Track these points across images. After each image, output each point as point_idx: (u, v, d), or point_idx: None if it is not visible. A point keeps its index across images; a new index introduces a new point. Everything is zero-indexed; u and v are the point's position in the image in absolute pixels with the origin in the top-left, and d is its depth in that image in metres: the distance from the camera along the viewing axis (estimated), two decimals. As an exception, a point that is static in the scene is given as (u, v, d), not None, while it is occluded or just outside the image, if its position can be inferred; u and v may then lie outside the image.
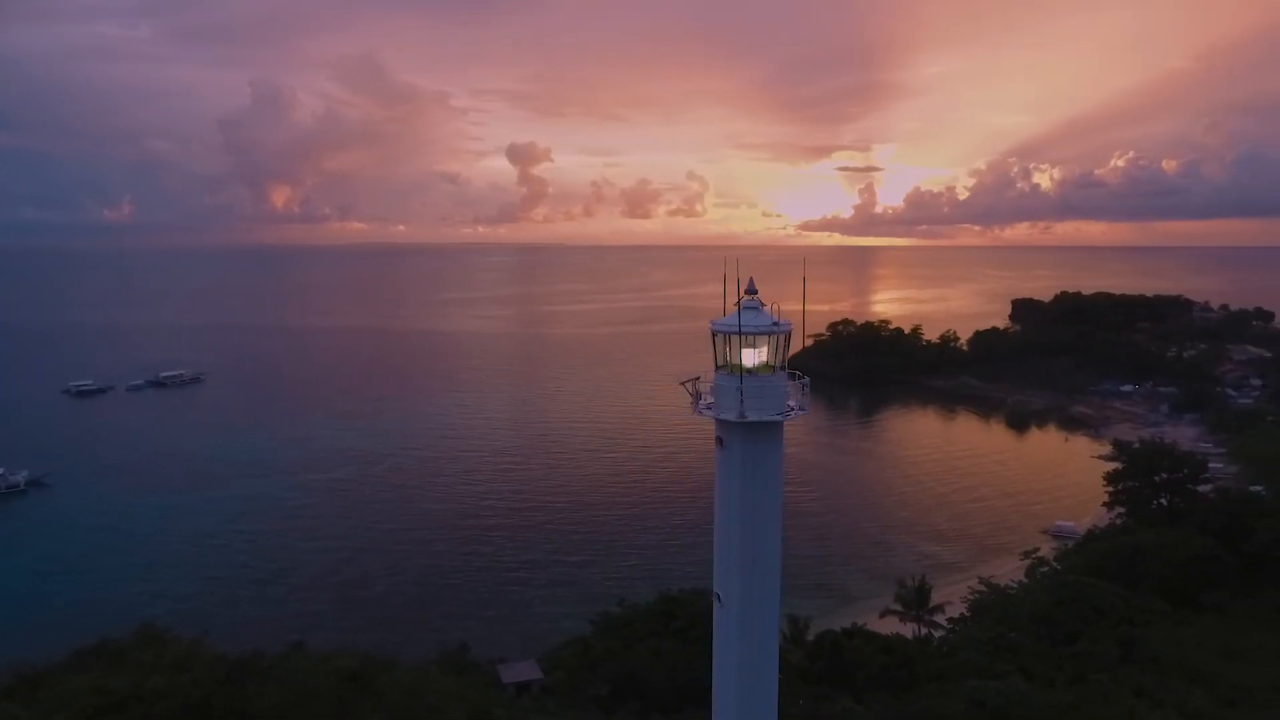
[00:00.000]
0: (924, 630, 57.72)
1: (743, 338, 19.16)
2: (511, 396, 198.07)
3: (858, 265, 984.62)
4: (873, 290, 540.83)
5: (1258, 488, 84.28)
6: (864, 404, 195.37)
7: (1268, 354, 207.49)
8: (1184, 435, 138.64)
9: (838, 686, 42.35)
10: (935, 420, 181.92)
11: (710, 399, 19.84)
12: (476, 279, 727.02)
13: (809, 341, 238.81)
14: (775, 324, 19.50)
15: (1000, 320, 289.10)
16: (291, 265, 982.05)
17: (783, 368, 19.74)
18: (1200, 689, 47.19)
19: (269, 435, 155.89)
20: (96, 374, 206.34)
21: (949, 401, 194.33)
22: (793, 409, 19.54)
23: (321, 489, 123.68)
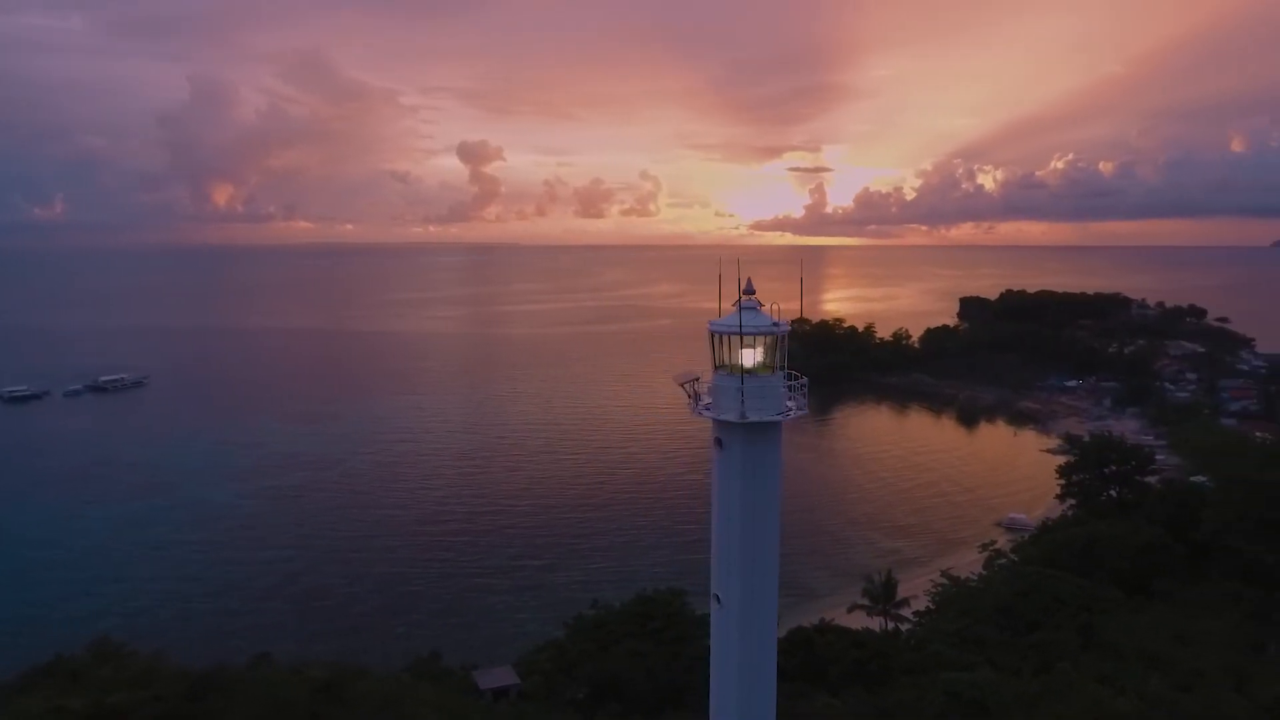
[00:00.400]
0: (891, 624, 58.65)
1: (742, 338, 19.09)
2: (468, 398, 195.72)
3: (810, 265, 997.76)
4: (825, 289, 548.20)
5: (1199, 478, 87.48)
6: (820, 402, 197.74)
7: (1201, 349, 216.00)
8: (1126, 428, 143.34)
9: (812, 683, 42.71)
10: (889, 417, 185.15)
11: (709, 400, 19.75)
12: (428, 279, 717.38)
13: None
14: (775, 324, 19.49)
15: (949, 318, 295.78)
16: (236, 265, 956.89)
17: (781, 368, 19.75)
18: (1157, 674, 48.77)
19: (217, 441, 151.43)
20: (30, 379, 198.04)
21: (902, 398, 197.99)
22: (791, 409, 19.56)
23: (274, 495, 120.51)
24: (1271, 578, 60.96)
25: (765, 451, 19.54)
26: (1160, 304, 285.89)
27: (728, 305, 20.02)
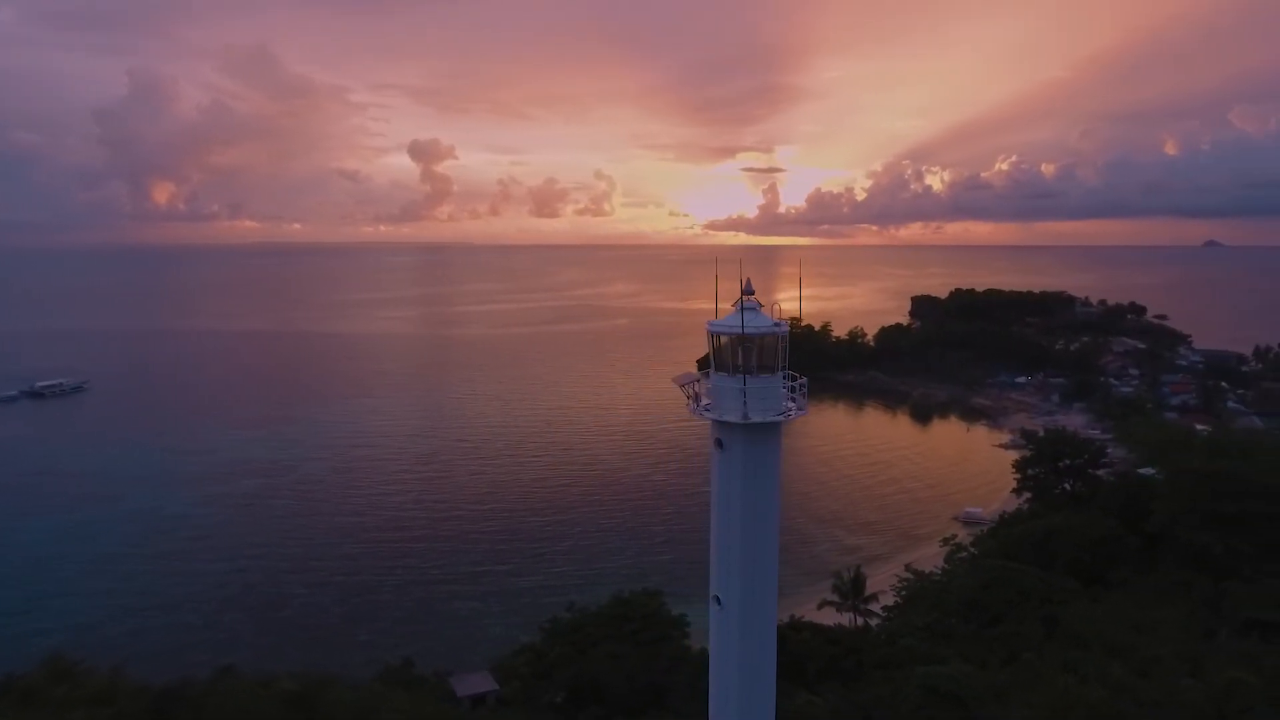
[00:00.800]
0: (861, 620, 59.38)
1: (744, 338, 19.01)
2: (424, 401, 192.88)
3: (764, 264, 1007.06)
4: (779, 288, 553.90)
5: (1147, 470, 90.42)
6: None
7: (1142, 346, 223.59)
8: (1074, 422, 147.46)
9: (788, 679, 42.90)
10: (847, 414, 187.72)
11: (708, 400, 19.62)
12: (381, 279, 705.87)
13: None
14: (776, 324, 19.45)
15: (901, 316, 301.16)
16: (178, 265, 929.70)
17: (782, 368, 19.72)
18: (1118, 662, 50.23)
19: (164, 447, 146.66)
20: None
21: (859, 396, 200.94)
22: (790, 409, 19.54)
23: (226, 503, 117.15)
24: (1220, 567, 63.18)
25: (766, 452, 19.50)
26: (1102, 302, 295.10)
27: (724, 306, 19.88)
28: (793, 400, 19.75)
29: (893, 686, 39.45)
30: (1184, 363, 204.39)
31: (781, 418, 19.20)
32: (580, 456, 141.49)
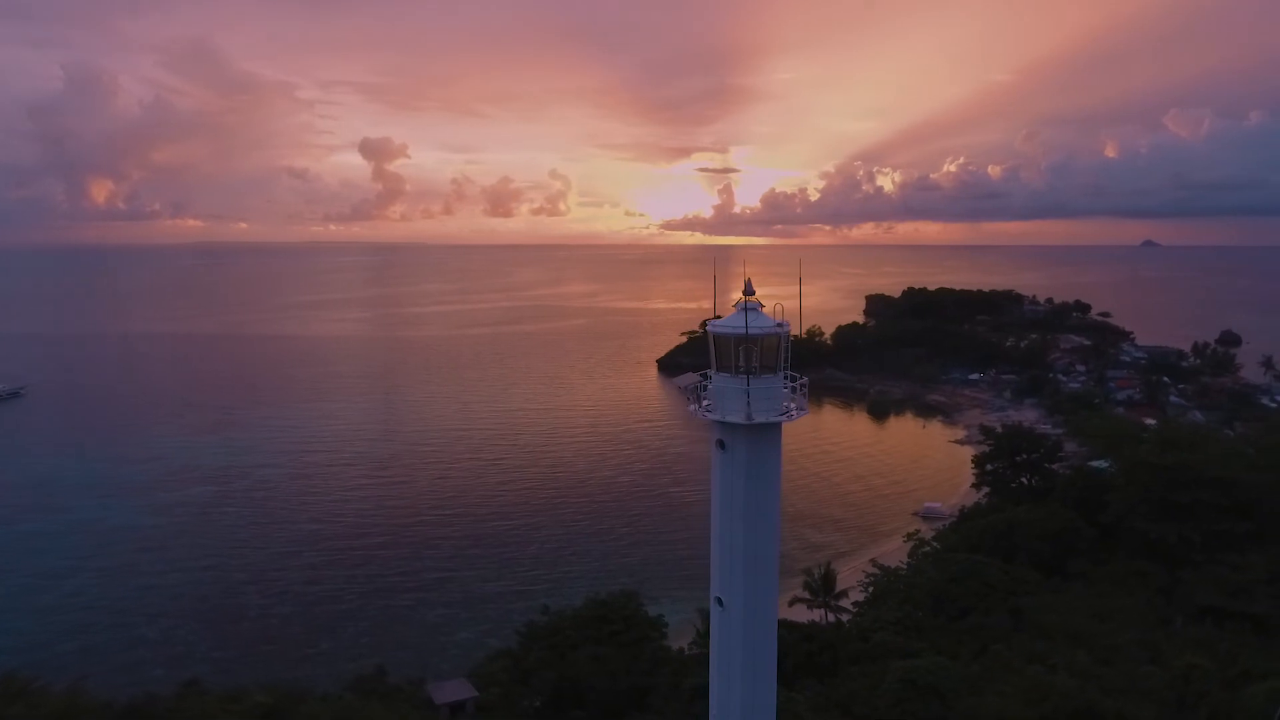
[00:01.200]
0: (831, 616, 60.02)
1: (748, 339, 18.94)
2: (381, 404, 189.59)
3: (720, 263, 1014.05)
4: (736, 288, 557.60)
5: (1099, 463, 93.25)
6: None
7: (1088, 342, 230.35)
8: (1026, 417, 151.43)
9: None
10: (806, 412, 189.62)
11: (709, 401, 19.51)
12: (332, 280, 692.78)
13: (683, 339, 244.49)
14: (778, 325, 19.42)
15: (857, 315, 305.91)
16: (119, 266, 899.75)
17: (782, 369, 19.71)
18: (1082, 650, 51.60)
19: (109, 455, 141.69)
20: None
21: (817, 394, 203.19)
22: (790, 409, 19.53)
23: (177, 512, 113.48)
24: (1173, 556, 65.44)
25: (768, 452, 19.47)
26: (1049, 300, 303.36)
27: (723, 306, 19.77)
28: (792, 400, 19.74)
29: (870, 681, 39.89)
30: (1127, 359, 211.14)
31: (784, 418, 19.18)
32: (543, 459, 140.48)
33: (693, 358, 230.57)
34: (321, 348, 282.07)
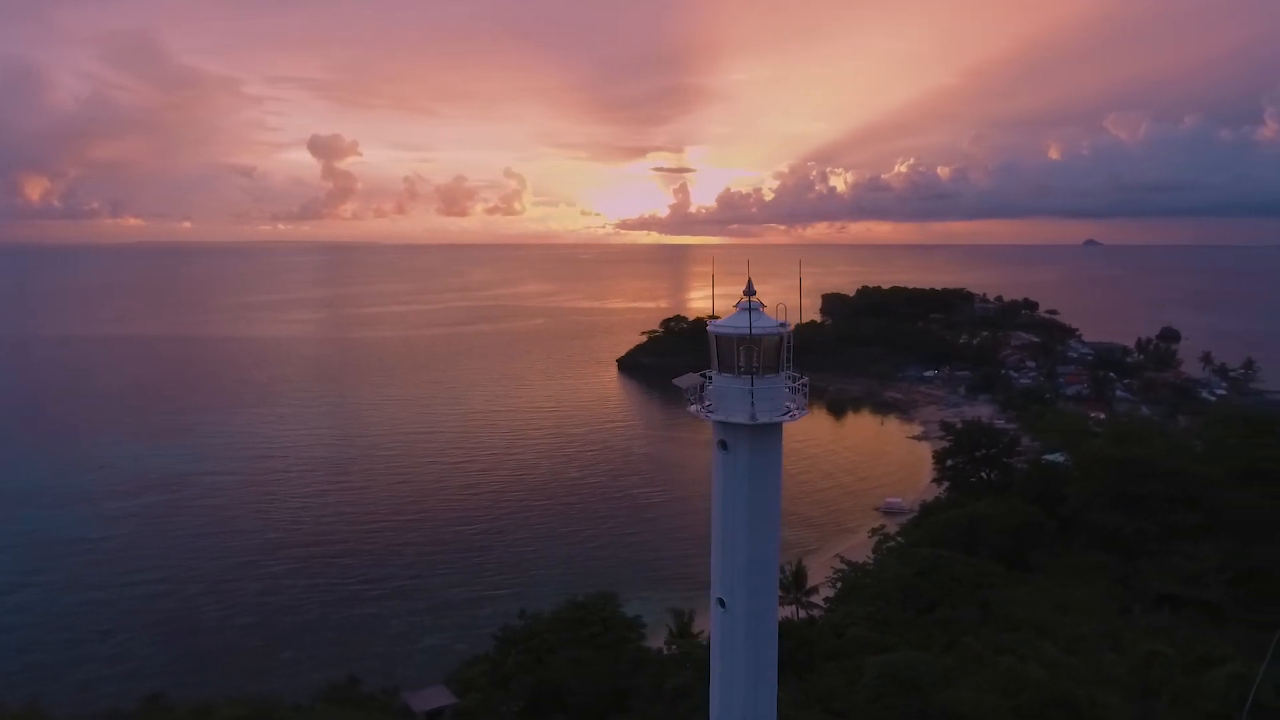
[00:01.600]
0: (802, 612, 60.49)
1: (751, 339, 18.86)
2: (337, 407, 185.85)
3: (677, 263, 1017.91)
4: (694, 287, 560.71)
5: (1053, 456, 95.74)
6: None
7: (1036, 339, 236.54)
8: (980, 413, 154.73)
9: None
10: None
11: (710, 401, 19.39)
12: (282, 280, 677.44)
13: (643, 339, 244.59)
14: (781, 325, 19.39)
15: (813, 314, 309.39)
16: (56, 265, 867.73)
17: (784, 369, 19.69)
18: (1047, 641, 52.80)
19: (53, 462, 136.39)
20: None
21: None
22: (790, 410, 19.52)
23: (126, 521, 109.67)
24: (1129, 546, 67.36)
25: (770, 453, 19.43)
26: (999, 298, 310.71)
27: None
28: (793, 400, 19.73)
29: (848, 677, 40.27)
30: (1075, 355, 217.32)
31: (787, 418, 19.17)
32: (507, 462, 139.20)
33: (653, 357, 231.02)
34: (273, 350, 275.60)
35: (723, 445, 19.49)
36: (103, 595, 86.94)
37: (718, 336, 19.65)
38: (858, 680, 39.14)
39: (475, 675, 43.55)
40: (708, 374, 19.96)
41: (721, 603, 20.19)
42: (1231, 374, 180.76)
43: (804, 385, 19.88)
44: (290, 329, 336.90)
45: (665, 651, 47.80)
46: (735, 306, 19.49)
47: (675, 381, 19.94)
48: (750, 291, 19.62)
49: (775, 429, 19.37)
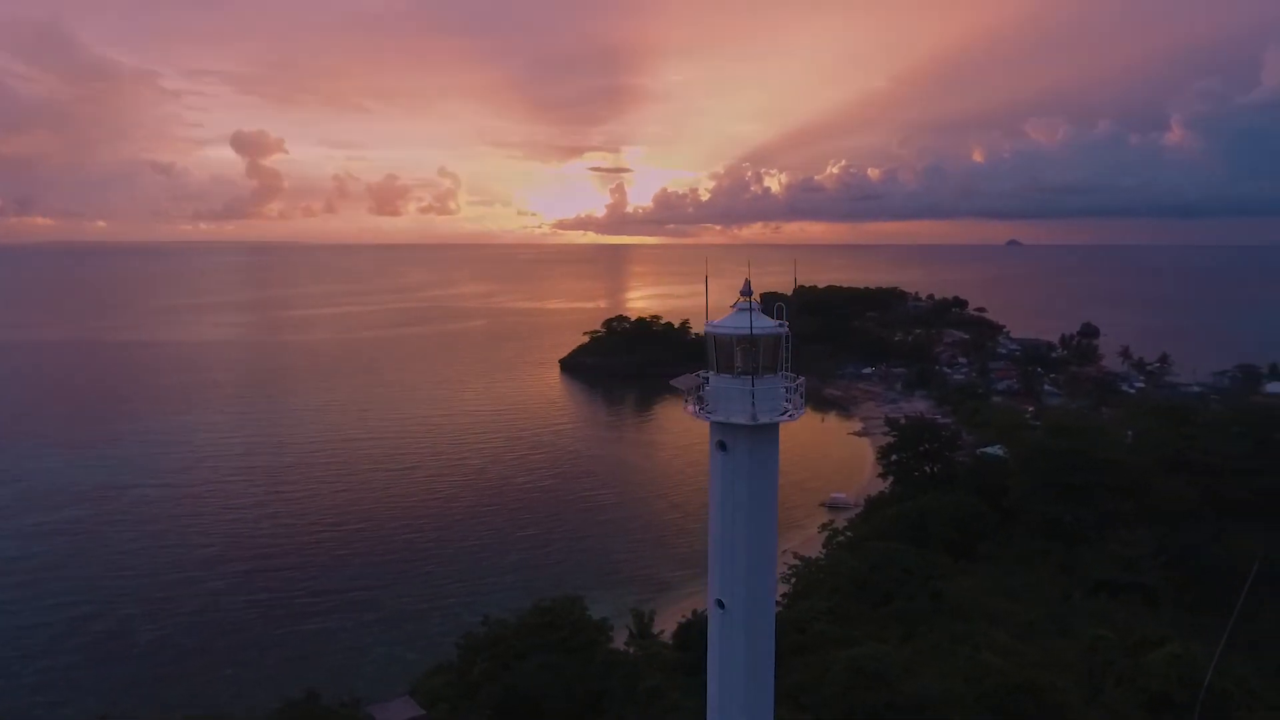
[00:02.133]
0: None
1: (753, 339, 18.80)
2: (271, 413, 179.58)
3: (614, 263, 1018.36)
4: (633, 287, 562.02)
5: (990, 449, 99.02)
6: (641, 396, 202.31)
7: (967, 336, 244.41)
8: (917, 408, 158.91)
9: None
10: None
11: (709, 402, 19.26)
12: (206, 281, 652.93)
13: (585, 339, 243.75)
14: (780, 325, 19.39)
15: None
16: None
17: (781, 369, 19.71)
18: (998, 628, 54.51)
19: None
20: None
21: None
22: (788, 410, 19.54)
23: (49, 536, 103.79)
24: (1068, 534, 70.17)
25: (769, 453, 19.41)
26: (930, 296, 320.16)
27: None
28: (789, 400, 19.76)
29: (814, 672, 40.74)
30: (1004, 351, 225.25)
31: (786, 417, 19.18)
32: (452, 466, 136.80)
33: (596, 357, 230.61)
34: (201, 354, 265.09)
35: (721, 446, 19.39)
36: (24, 619, 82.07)
37: (716, 337, 19.54)
38: (824, 675, 39.63)
39: (440, 685, 42.44)
40: (704, 374, 19.84)
41: (721, 604, 20.10)
42: (1149, 368, 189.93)
43: (800, 385, 19.92)
44: (218, 332, 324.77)
45: (632, 653, 47.54)
46: (732, 307, 19.41)
47: (673, 382, 19.75)
48: (747, 292, 19.57)
49: (772, 429, 19.38)
